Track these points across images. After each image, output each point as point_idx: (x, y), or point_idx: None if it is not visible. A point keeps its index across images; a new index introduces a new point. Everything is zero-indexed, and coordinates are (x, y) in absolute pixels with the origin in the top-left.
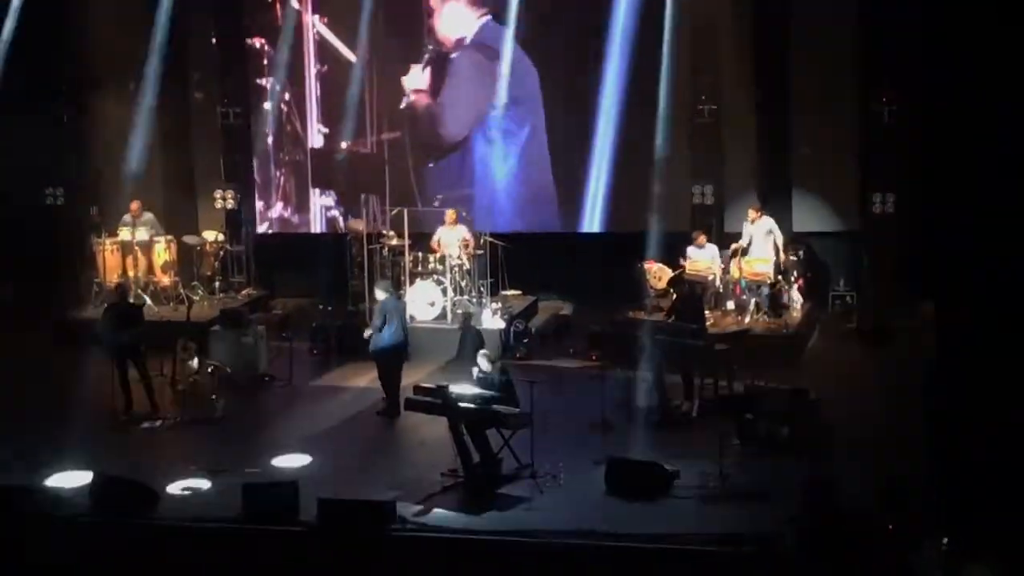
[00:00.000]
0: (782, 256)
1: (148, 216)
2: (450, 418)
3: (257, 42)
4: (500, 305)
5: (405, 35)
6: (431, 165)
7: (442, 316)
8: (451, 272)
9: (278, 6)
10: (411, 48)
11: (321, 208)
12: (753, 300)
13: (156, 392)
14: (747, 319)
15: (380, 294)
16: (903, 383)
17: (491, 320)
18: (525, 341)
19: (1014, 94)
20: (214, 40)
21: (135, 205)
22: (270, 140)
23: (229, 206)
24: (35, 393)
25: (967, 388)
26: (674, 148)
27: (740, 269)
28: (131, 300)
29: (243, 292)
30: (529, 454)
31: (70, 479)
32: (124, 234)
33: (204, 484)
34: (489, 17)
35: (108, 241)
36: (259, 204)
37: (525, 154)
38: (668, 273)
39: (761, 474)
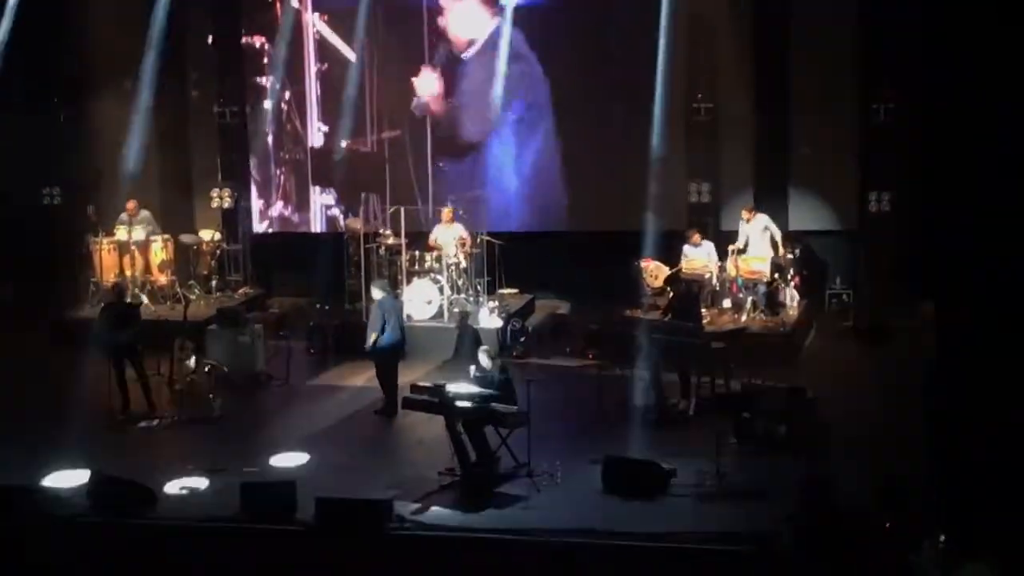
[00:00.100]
0: (781, 251)
1: (145, 215)
2: (447, 417)
3: (257, 41)
4: (497, 304)
5: (405, 33)
6: (442, 166)
7: (439, 315)
8: (448, 271)
9: (278, 5)
10: (411, 47)
11: (321, 207)
12: (750, 298)
13: (153, 391)
14: (744, 317)
15: (377, 293)
16: (900, 382)
17: (488, 319)
18: (522, 340)
19: (1013, 93)
20: (211, 40)
21: (131, 204)
22: (270, 139)
23: (226, 205)
24: (32, 393)
25: (965, 387)
26: (670, 147)
27: (737, 267)
28: (128, 299)
29: (240, 291)
30: (526, 453)
31: (67, 478)
32: (121, 233)
33: (202, 483)
34: (501, 18)
35: (105, 240)
36: (259, 203)
37: (539, 156)
38: (665, 271)
39: (758, 473)
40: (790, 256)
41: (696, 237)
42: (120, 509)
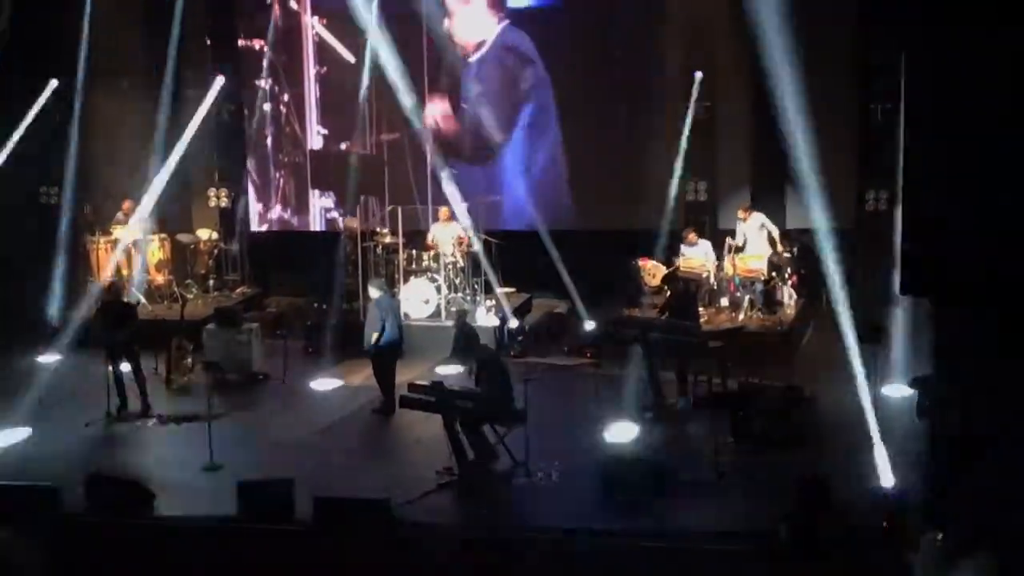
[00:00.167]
0: (779, 247)
1: (141, 214)
2: (445, 415)
3: (256, 44)
4: (494, 303)
5: (405, 35)
6: (454, 171)
7: (436, 314)
8: (445, 270)
9: (276, 7)
10: (410, 46)
11: (321, 210)
12: (747, 297)
13: (150, 390)
14: (741, 316)
15: (374, 292)
16: (897, 379)
17: (485, 317)
18: (519, 339)
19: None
20: (208, 40)
21: (128, 204)
22: (269, 142)
23: (223, 204)
24: (29, 392)
25: (962, 384)
26: (668, 145)
27: (734, 266)
28: (124, 299)
29: (237, 290)
30: (524, 452)
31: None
32: (118, 232)
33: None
34: (508, 21)
35: (102, 239)
36: (258, 206)
37: (547, 159)
38: (662, 270)
39: (755, 471)
40: (787, 255)
41: (692, 236)
42: (117, 508)
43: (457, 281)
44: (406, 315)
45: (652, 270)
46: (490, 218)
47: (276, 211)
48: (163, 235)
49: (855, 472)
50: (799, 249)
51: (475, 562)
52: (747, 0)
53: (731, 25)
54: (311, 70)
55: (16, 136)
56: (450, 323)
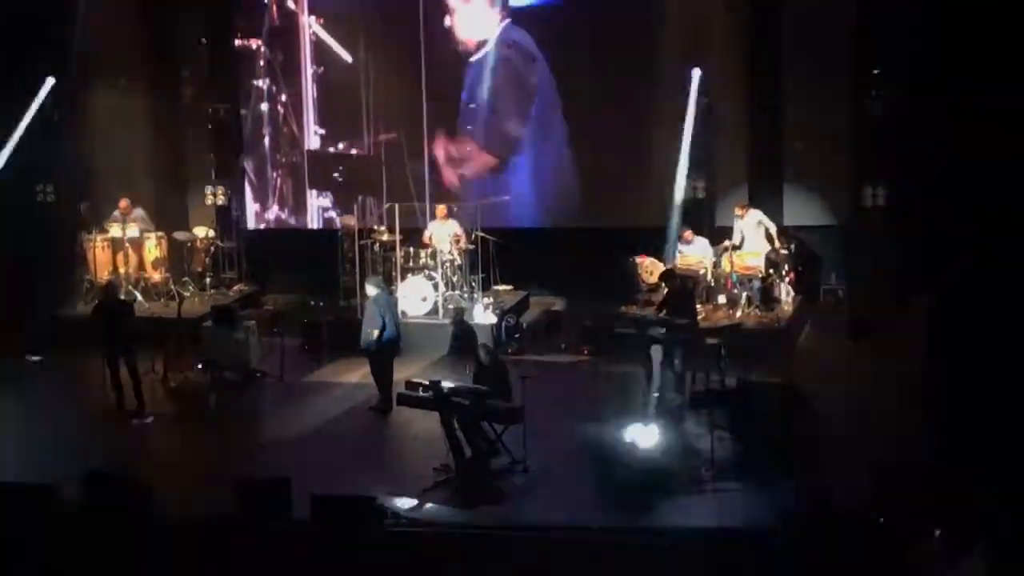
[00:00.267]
0: (777, 244)
1: (138, 212)
2: (442, 413)
3: (253, 43)
4: (492, 300)
5: (403, 35)
6: (464, 173)
7: (434, 311)
8: (442, 267)
9: (274, 7)
10: (409, 47)
11: (318, 209)
12: (744, 294)
13: (148, 389)
14: (738, 313)
15: (371, 290)
16: (895, 376)
17: (483, 315)
18: (517, 336)
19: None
20: (204, 40)
21: (124, 202)
22: (267, 142)
23: (220, 202)
24: (26, 390)
25: (959, 381)
26: (668, 143)
27: (731, 263)
28: (121, 297)
29: (234, 288)
30: (521, 449)
31: None
32: (114, 231)
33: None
34: (509, 20)
35: (99, 238)
36: (256, 206)
37: (552, 156)
38: (660, 267)
39: (753, 468)
40: (785, 252)
41: (688, 234)
42: (114, 507)
43: (454, 279)
44: (403, 313)
45: (650, 267)
46: (493, 217)
47: (273, 210)
48: (160, 233)
49: (853, 469)
50: (796, 246)
51: (472, 560)
52: None
53: (729, 22)
54: (308, 70)
55: (15, 136)
56: (447, 321)
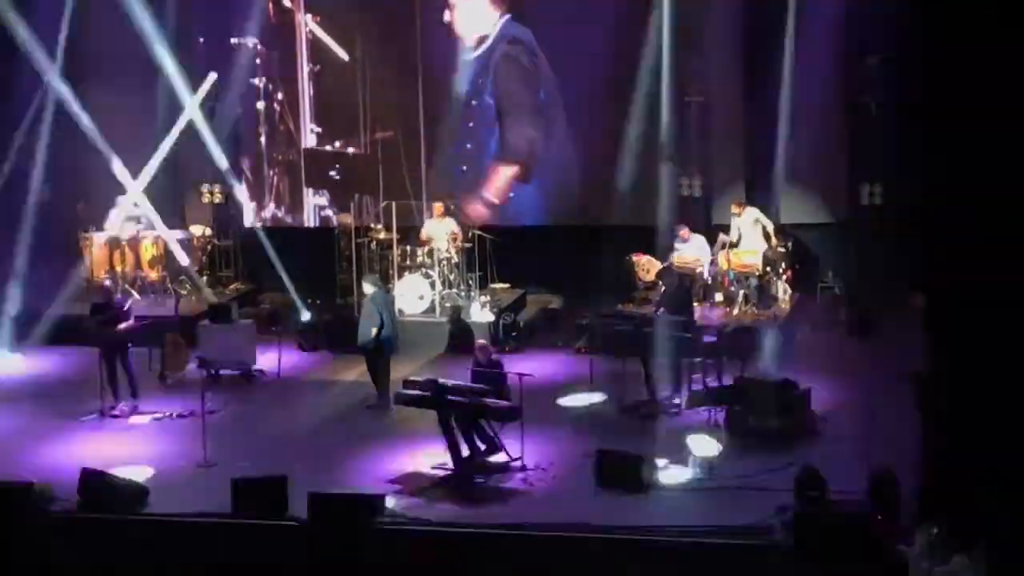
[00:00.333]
0: (773, 241)
1: (135, 211)
2: (440, 412)
3: (249, 41)
4: (489, 298)
5: (401, 32)
6: (464, 169)
7: (431, 310)
8: (439, 265)
9: (271, 5)
10: (406, 44)
11: (315, 208)
12: (741, 292)
13: (144, 387)
14: (735, 311)
15: (368, 288)
16: (892, 373)
17: (480, 313)
18: (514, 334)
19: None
20: (201, 38)
21: (124, 200)
22: (263, 140)
23: (217, 201)
24: (22, 388)
25: (956, 378)
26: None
27: (728, 261)
28: (118, 296)
29: (231, 287)
30: (519, 448)
31: None
32: (111, 229)
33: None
34: (509, 16)
35: (96, 236)
36: (252, 204)
37: (555, 152)
38: (656, 265)
39: (750, 466)
40: (782, 249)
41: (684, 232)
42: (110, 505)
43: (451, 277)
44: (400, 311)
45: (646, 265)
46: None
47: (270, 210)
48: (156, 232)
49: (849, 466)
50: (793, 244)
51: (469, 558)
52: None
53: (725, 18)
54: (304, 68)
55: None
56: (445, 319)
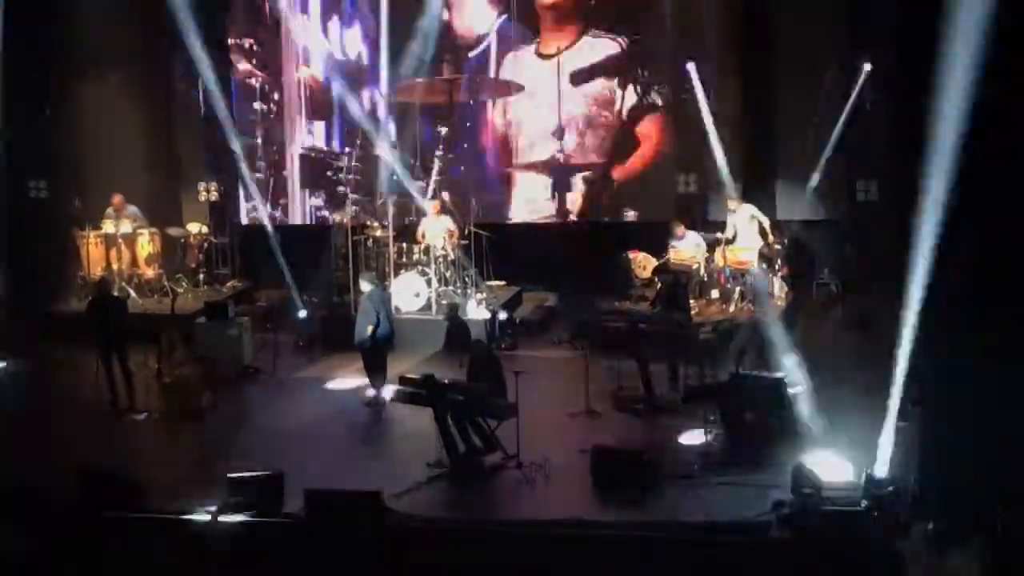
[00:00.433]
0: (770, 238)
1: (132, 209)
2: (436, 409)
3: (246, 42)
4: (485, 296)
5: (400, 35)
6: (462, 169)
7: (427, 307)
8: (436, 263)
9: (267, 6)
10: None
11: (311, 208)
12: (737, 288)
13: (141, 385)
14: (731, 307)
15: (365, 286)
16: (888, 370)
17: (476, 311)
18: (510, 332)
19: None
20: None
21: (118, 199)
22: (260, 139)
23: (213, 198)
24: (20, 387)
25: (953, 375)
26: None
27: (724, 258)
28: (114, 293)
29: (228, 284)
30: (515, 444)
31: None
32: (108, 227)
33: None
34: (505, 16)
35: (92, 234)
36: (248, 204)
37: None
38: (653, 262)
39: (746, 462)
40: (778, 246)
41: (680, 229)
42: (107, 503)
43: (448, 274)
44: (397, 308)
45: (642, 262)
46: (487, 212)
47: (267, 208)
48: (153, 229)
49: (845, 462)
50: (789, 240)
51: (466, 555)
52: None
53: (722, 15)
54: (301, 67)
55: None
56: (441, 316)
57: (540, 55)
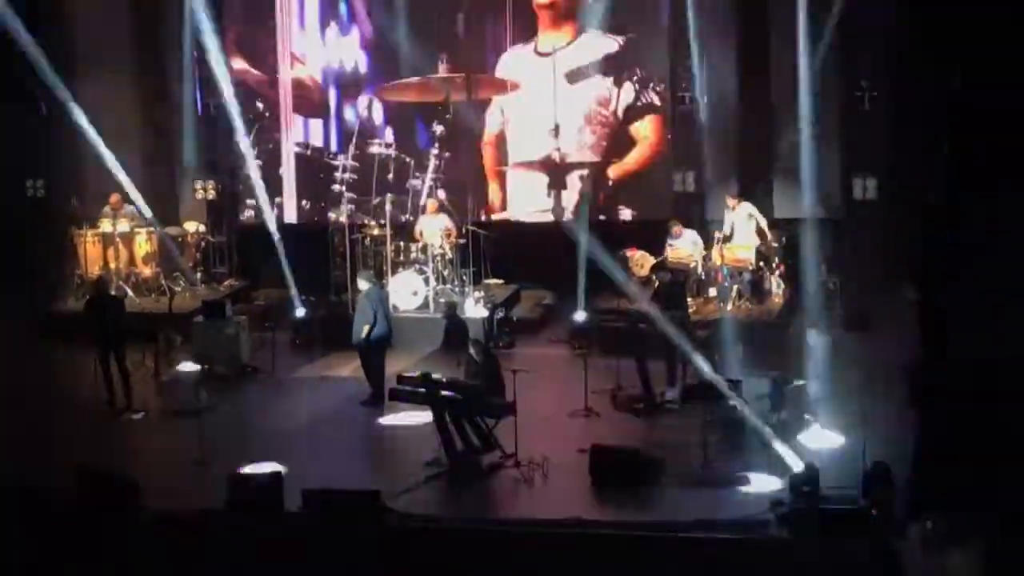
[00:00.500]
0: (768, 237)
1: (129, 208)
2: (434, 407)
3: (243, 40)
4: (482, 294)
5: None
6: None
7: (425, 306)
8: (433, 262)
9: (264, 4)
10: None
11: (308, 206)
12: (735, 287)
13: (138, 384)
14: (729, 306)
15: (363, 284)
16: (886, 368)
17: (474, 309)
18: (508, 330)
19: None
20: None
21: (115, 198)
22: (257, 138)
23: (210, 197)
24: (17, 386)
25: (951, 373)
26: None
27: (722, 256)
28: (112, 292)
29: (225, 283)
30: (513, 443)
31: None
32: (105, 226)
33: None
34: None
35: (89, 232)
36: (247, 201)
37: None
38: (650, 261)
39: (744, 460)
40: (775, 244)
41: (677, 228)
42: (105, 502)
43: (445, 273)
44: (394, 307)
45: (640, 260)
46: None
47: (265, 207)
48: (150, 228)
49: (844, 460)
50: (787, 239)
51: (464, 554)
52: None
53: (720, 14)
54: (297, 66)
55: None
56: (439, 315)
57: (538, 53)
